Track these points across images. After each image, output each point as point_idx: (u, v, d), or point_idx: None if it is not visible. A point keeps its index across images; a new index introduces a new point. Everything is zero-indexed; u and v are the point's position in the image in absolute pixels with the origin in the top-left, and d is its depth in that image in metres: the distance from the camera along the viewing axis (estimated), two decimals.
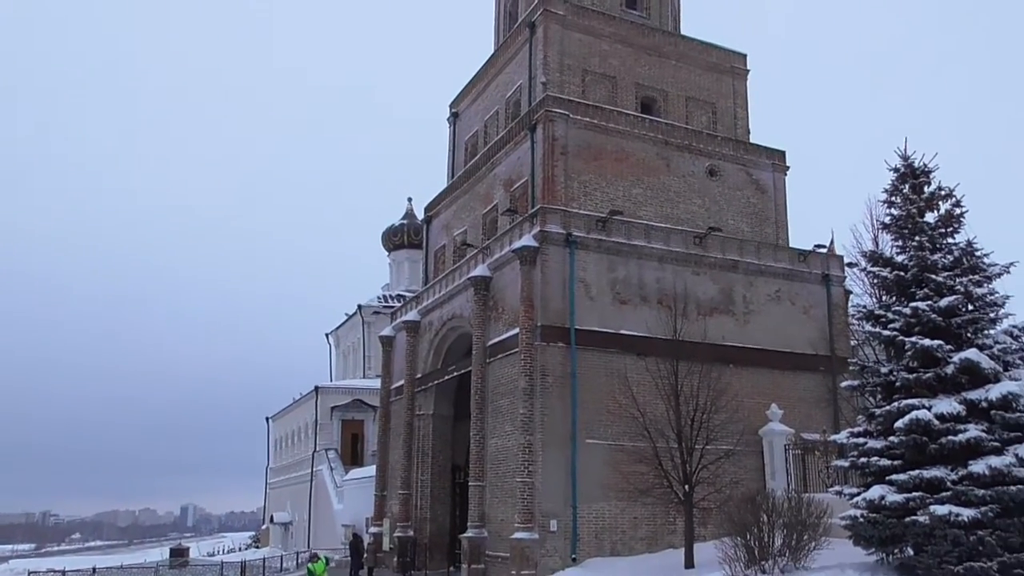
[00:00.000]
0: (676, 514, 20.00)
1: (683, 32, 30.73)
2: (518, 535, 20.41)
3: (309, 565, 24.17)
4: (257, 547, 57.51)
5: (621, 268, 22.92)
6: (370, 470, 35.77)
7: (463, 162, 31.74)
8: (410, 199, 54.78)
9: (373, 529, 31.01)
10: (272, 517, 53.52)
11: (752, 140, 28.54)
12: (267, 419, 59.13)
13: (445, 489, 28.65)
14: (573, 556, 20.34)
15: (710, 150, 26.81)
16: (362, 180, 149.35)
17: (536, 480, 20.71)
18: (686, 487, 18.10)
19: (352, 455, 46.42)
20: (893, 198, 14.99)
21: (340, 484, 42.27)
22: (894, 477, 12.63)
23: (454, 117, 33.36)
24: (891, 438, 13.03)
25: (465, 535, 23.18)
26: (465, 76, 32.64)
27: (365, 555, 29.03)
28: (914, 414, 12.58)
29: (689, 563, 17.70)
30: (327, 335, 58.36)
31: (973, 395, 12.56)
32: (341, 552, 34.65)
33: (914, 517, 11.98)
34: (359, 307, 51.72)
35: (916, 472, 12.34)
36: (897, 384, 13.57)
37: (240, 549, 64.66)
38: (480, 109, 31.25)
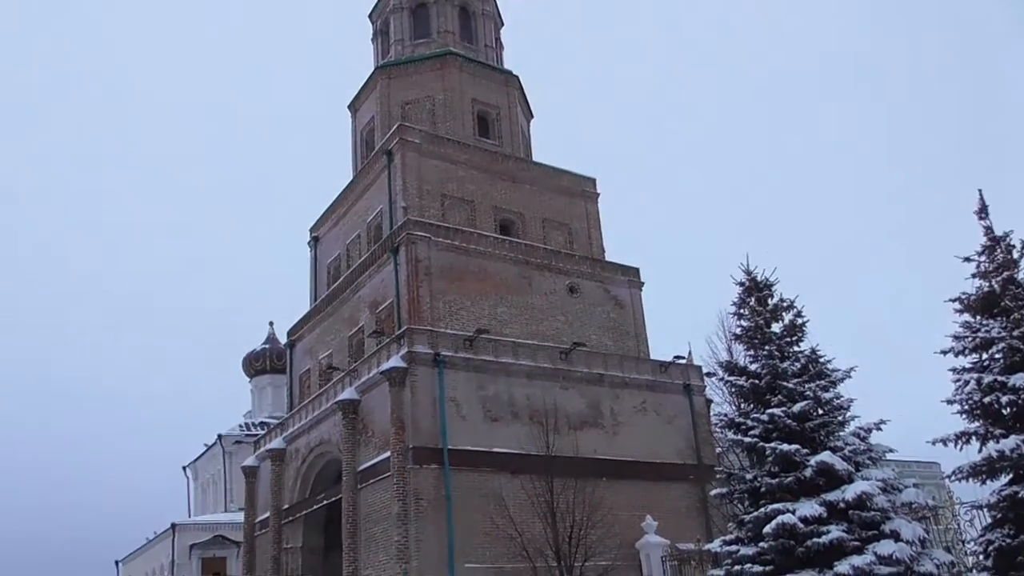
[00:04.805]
0: None
1: (535, 158, 32.23)
2: None
3: None
4: None
5: (490, 386, 23.04)
6: None
7: (326, 285, 31.46)
8: (271, 323, 53.37)
9: None
10: None
11: (608, 258, 29.82)
12: (116, 563, 54.24)
13: None
14: None
15: (568, 268, 27.80)
16: (219, 304, 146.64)
17: None
18: None
19: None
20: (742, 310, 15.99)
21: None
22: None
23: (315, 241, 33.26)
24: (761, 544, 13.45)
25: None
26: (323, 200, 32.78)
27: None
28: (780, 518, 13.09)
29: None
30: (184, 468, 54.98)
31: (831, 496, 13.22)
32: None
33: None
34: (219, 436, 49.17)
35: None
36: (762, 489, 14.12)
37: None
38: (341, 233, 31.33)
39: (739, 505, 15.33)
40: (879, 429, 14.30)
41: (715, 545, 15.01)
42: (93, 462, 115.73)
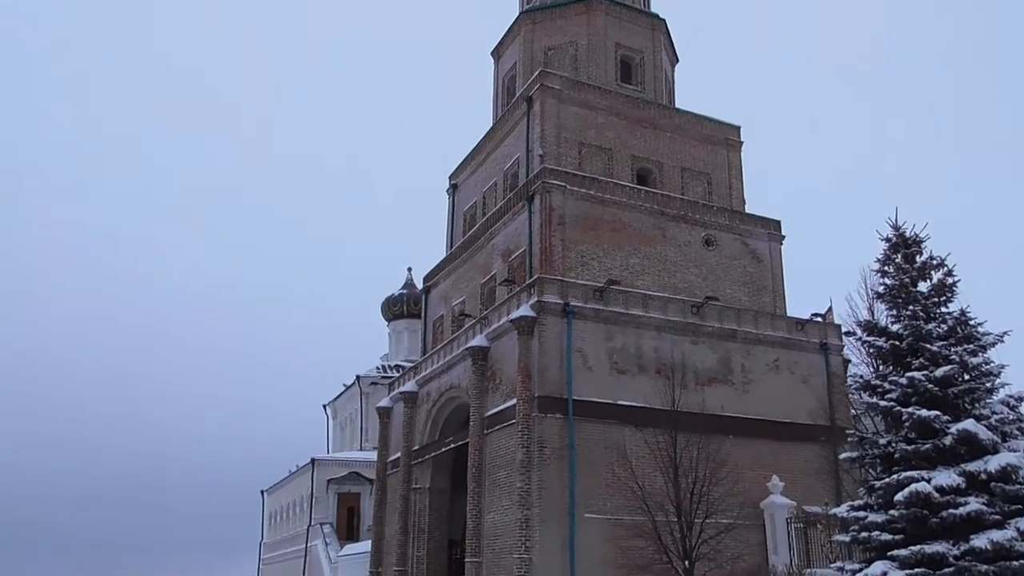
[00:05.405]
0: None
1: (678, 105, 31.31)
2: None
3: None
4: None
5: (619, 338, 22.84)
6: (365, 545, 34.99)
7: (462, 233, 31.96)
8: (410, 269, 54.88)
9: None
10: None
11: (747, 210, 28.79)
12: (262, 492, 58.13)
13: (441, 566, 27.98)
14: None
15: (706, 220, 27.02)
16: (360, 248, 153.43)
17: (534, 556, 20.23)
18: (686, 563, 17.72)
19: (348, 530, 45.41)
20: (886, 267, 15.04)
21: (335, 560, 41.27)
22: (896, 552, 12.35)
23: (453, 188, 33.74)
24: (892, 511, 12.79)
25: None
26: (463, 148, 33.11)
27: None
28: (914, 487, 12.38)
29: None
30: (325, 406, 57.79)
31: (972, 467, 12.37)
32: None
33: None
34: (357, 377, 51.27)
35: (918, 547, 12.06)
36: (896, 456, 13.37)
37: None
38: (479, 181, 31.62)
39: (871, 471, 14.59)
40: None
41: (842, 510, 14.39)
42: (247, 401, 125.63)
